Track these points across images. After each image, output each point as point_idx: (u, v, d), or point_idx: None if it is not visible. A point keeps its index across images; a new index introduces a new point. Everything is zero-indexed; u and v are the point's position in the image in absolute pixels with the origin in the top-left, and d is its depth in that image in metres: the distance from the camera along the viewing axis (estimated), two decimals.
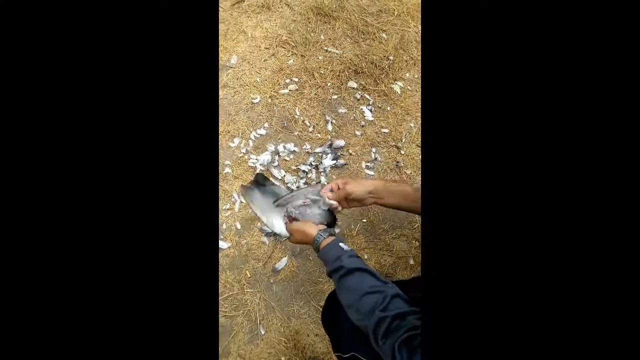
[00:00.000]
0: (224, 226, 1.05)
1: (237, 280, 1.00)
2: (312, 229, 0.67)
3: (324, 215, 0.72)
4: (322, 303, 0.98)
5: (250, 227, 1.05)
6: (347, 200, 0.69)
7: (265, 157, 1.12)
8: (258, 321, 0.96)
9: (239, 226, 1.05)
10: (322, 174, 1.09)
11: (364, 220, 1.07)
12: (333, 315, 0.69)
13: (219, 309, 0.96)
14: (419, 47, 1.29)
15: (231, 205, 1.07)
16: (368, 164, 1.12)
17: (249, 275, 1.01)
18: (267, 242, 1.04)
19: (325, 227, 0.68)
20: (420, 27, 1.32)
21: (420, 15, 1.34)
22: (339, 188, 0.69)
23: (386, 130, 1.17)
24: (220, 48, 1.28)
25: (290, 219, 0.72)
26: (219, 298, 0.97)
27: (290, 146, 1.13)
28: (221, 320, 0.96)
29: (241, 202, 1.08)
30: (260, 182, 0.76)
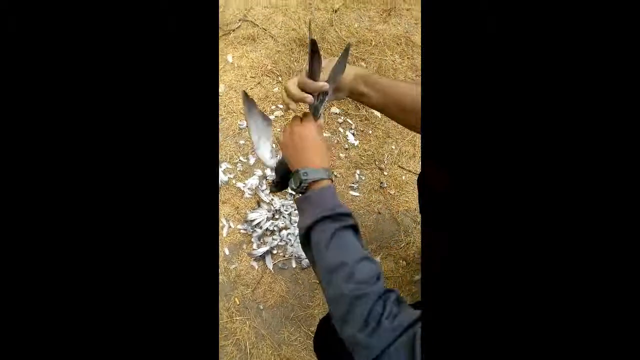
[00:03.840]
0: None
1: (225, 308, 0.98)
2: (326, 156, 0.50)
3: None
4: (313, 328, 0.97)
5: (239, 252, 1.04)
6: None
7: (253, 181, 1.13)
8: (248, 350, 0.93)
9: (227, 252, 1.04)
10: None
11: None
12: (326, 340, 0.65)
13: None
14: (396, 74, 1.37)
15: (219, 230, 1.06)
16: (352, 185, 1.15)
17: (238, 303, 0.98)
18: (256, 267, 1.03)
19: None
20: (396, 56, 1.41)
21: (395, 45, 1.43)
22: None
23: (369, 153, 1.21)
24: None
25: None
26: None
27: None
28: None
29: (229, 226, 1.08)
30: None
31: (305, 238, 0.49)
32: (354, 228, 0.49)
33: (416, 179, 0.93)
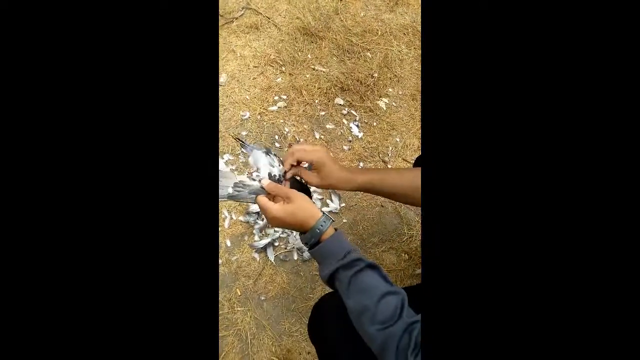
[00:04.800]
0: None
1: (227, 298, 0.98)
2: (315, 210, 0.53)
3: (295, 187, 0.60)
4: None
5: (240, 244, 1.04)
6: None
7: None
8: (249, 340, 0.94)
9: (228, 243, 1.04)
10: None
11: (353, 235, 1.08)
12: (321, 325, 0.64)
13: None
14: (402, 65, 1.34)
15: (221, 221, 1.06)
16: None
17: (239, 294, 0.99)
18: (258, 259, 1.03)
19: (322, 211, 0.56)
20: (402, 46, 1.37)
21: (402, 35, 1.40)
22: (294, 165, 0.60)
23: (373, 145, 1.20)
24: None
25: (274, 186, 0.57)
26: None
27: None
28: None
29: (231, 218, 1.08)
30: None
31: (330, 286, 0.54)
32: (370, 267, 0.51)
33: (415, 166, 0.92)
